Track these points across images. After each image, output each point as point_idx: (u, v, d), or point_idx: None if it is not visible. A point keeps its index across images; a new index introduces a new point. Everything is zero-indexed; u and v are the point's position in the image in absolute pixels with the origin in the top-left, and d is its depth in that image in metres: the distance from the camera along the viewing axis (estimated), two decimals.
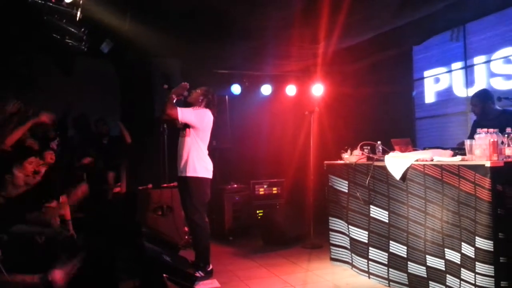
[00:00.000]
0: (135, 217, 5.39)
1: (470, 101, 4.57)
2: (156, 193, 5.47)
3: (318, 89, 7.03)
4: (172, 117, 4.26)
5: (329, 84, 7.09)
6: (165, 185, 5.66)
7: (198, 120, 4.33)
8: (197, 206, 4.28)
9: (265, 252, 5.35)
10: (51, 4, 4.15)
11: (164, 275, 3.59)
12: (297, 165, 6.96)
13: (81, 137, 6.29)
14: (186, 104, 4.50)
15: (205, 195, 4.37)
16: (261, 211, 6.52)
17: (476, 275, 2.96)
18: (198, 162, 4.30)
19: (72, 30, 4.66)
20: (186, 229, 5.37)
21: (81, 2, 4.23)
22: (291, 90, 7.56)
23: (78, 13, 4.30)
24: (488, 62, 5.23)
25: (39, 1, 4.10)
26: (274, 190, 6.72)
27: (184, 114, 4.25)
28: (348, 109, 6.91)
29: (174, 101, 4.26)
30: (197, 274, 4.17)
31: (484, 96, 4.41)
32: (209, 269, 4.32)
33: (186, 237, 5.42)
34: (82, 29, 4.75)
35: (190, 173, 4.28)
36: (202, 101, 4.46)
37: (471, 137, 3.24)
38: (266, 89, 7.54)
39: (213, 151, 4.71)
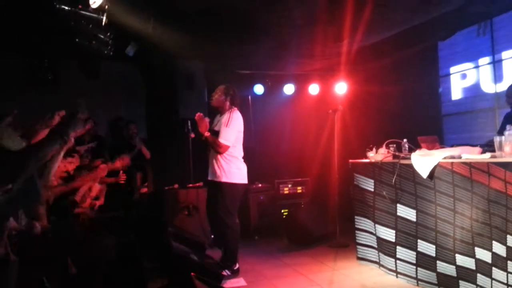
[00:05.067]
0: (162, 216, 5.47)
1: (506, 92, 4.52)
2: (182, 193, 5.54)
3: (341, 88, 7.00)
4: (226, 150, 4.30)
5: (352, 82, 7.05)
6: (190, 185, 5.73)
7: (238, 130, 4.39)
8: (230, 209, 4.34)
9: (291, 251, 5.36)
10: (78, 10, 4.25)
11: (192, 273, 3.63)
12: (321, 164, 6.94)
13: (114, 140, 6.46)
14: (210, 106, 4.55)
15: (238, 198, 4.44)
16: (286, 210, 6.52)
17: (509, 274, 2.90)
18: (232, 168, 4.35)
19: (98, 35, 4.77)
20: None
21: (106, 7, 4.32)
22: (314, 89, 7.52)
23: (104, 18, 4.39)
24: None
25: (66, 8, 4.21)
26: (299, 189, 6.72)
27: (229, 140, 4.28)
28: (372, 107, 6.83)
29: (208, 134, 4.29)
30: (224, 273, 4.22)
31: None
32: (235, 268, 4.36)
33: (212, 236, 5.47)
34: (108, 34, 4.84)
35: (224, 178, 4.32)
36: (226, 100, 4.49)
37: (502, 129, 3.17)
38: (289, 89, 7.51)
39: None
